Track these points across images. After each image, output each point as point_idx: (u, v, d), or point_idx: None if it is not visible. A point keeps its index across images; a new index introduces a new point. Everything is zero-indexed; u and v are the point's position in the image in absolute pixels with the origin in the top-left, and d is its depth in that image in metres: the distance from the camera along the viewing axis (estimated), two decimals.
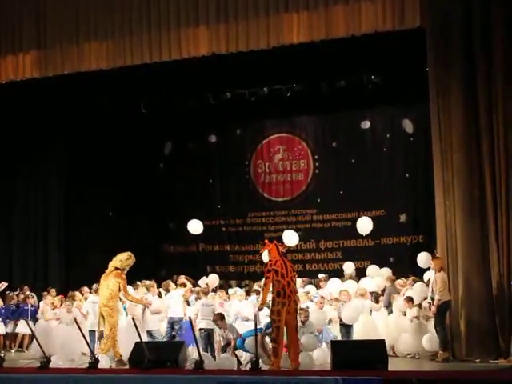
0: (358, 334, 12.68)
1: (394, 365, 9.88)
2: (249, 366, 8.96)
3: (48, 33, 14.23)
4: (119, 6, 13.83)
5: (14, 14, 14.48)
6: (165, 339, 12.70)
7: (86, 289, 15.40)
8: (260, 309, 11.07)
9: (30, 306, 16.22)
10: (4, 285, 15.40)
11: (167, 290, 13.92)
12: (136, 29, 13.67)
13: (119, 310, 12.28)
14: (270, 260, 10.65)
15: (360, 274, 16.00)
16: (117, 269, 11.95)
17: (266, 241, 11.00)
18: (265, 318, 11.98)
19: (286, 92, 17.69)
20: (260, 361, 9.04)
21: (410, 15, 12.09)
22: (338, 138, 19.76)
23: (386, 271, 15.17)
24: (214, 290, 14.83)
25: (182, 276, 14.69)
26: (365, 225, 16.48)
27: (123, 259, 12.06)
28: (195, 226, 17.67)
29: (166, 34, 13.51)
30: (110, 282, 11.82)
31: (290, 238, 16.17)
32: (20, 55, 14.42)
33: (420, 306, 12.79)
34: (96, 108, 17.98)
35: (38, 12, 14.33)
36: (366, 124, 19.42)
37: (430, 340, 12.06)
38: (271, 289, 10.36)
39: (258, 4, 12.93)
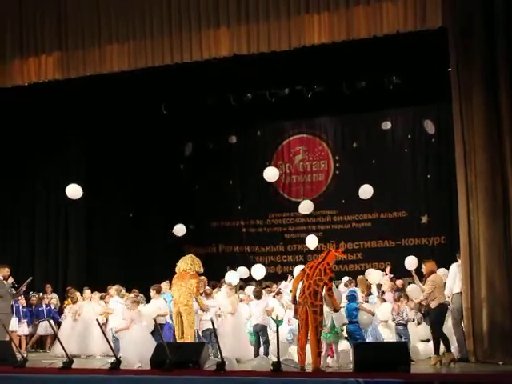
0: None
1: (414, 367, 9.82)
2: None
3: (70, 35, 14.27)
4: (140, 7, 13.84)
5: (35, 16, 14.55)
6: None
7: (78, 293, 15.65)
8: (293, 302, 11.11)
9: (52, 306, 16.34)
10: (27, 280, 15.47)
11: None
12: (157, 30, 13.68)
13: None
14: None
15: None
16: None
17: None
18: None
19: (307, 93, 17.70)
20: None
21: (431, 15, 12.02)
22: (359, 139, 19.74)
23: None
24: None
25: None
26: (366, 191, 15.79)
27: (188, 263, 12.31)
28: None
29: (187, 36, 13.50)
30: (187, 282, 12.06)
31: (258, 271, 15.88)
32: (42, 57, 14.46)
33: None
34: (117, 109, 18.07)
35: (60, 14, 14.36)
36: (387, 125, 19.39)
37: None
38: None
39: (279, 5, 12.90)
